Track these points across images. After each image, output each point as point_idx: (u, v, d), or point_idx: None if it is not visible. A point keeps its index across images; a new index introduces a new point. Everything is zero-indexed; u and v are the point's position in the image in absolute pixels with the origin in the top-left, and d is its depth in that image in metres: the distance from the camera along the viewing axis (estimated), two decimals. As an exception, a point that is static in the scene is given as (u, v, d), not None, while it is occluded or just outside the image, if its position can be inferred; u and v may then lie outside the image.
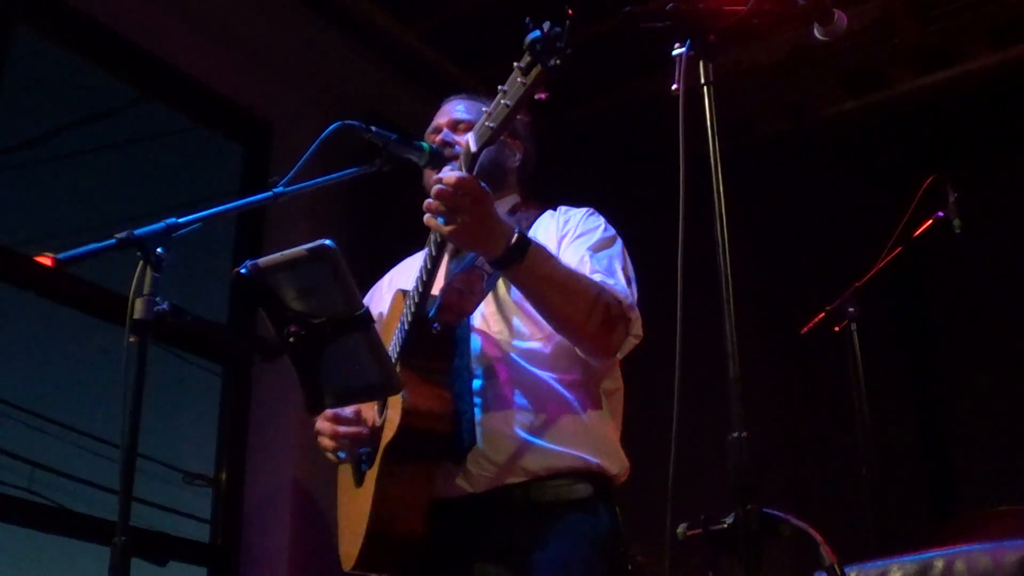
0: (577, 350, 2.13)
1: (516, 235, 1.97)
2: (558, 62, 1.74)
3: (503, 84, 1.85)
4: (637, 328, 2.12)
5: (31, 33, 3.89)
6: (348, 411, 2.22)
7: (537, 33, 1.75)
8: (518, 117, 1.93)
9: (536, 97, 1.82)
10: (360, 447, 2.19)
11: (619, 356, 2.15)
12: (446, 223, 1.93)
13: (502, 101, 1.84)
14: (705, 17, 1.86)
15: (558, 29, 1.74)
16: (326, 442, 2.24)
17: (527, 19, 1.76)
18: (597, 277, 2.11)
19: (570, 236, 2.24)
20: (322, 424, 2.23)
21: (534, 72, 1.77)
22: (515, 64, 1.80)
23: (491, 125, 1.87)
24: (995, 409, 4.40)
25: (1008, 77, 4.67)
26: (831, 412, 4.30)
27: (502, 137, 1.98)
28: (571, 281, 2.05)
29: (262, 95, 4.43)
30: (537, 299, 2.07)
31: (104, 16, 3.90)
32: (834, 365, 3.75)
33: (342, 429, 2.19)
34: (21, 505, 3.54)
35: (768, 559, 1.56)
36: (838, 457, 4.17)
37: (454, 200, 1.90)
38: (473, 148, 1.92)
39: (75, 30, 3.88)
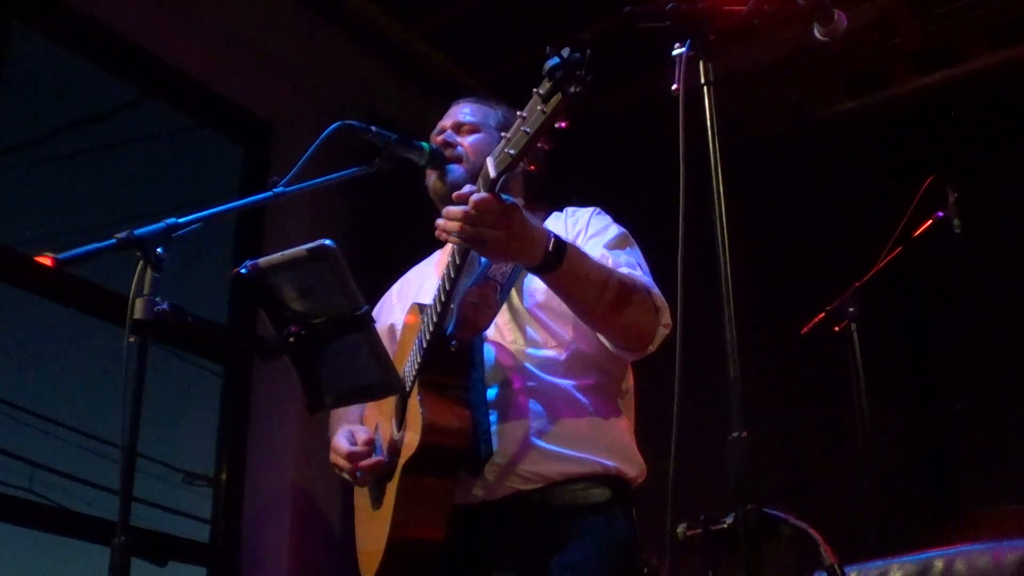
0: (611, 346, 2.12)
1: (553, 239, 1.95)
2: (579, 89, 1.70)
3: (521, 110, 1.82)
4: (666, 317, 2.11)
5: (31, 33, 3.89)
6: (363, 436, 2.22)
7: (556, 60, 1.71)
8: (538, 144, 1.89)
9: (557, 125, 1.79)
10: (377, 475, 2.19)
11: (653, 347, 2.13)
12: (477, 243, 1.90)
13: (522, 128, 1.81)
14: (705, 17, 1.85)
15: (578, 55, 1.70)
16: (344, 475, 2.25)
17: (547, 46, 1.73)
18: (624, 271, 2.11)
19: (583, 237, 2.24)
20: (338, 460, 2.23)
21: (554, 100, 1.73)
22: (534, 90, 1.77)
23: (511, 152, 1.83)
24: (995, 409, 4.40)
25: (1008, 77, 4.67)
26: (831, 413, 4.30)
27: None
28: (602, 276, 2.05)
29: (262, 95, 4.43)
30: (572, 297, 2.06)
31: (104, 16, 3.90)
32: (834, 365, 3.75)
33: (360, 465, 2.19)
34: (21, 505, 3.54)
35: (768, 559, 1.56)
36: (838, 457, 4.16)
37: (480, 220, 1.87)
38: (492, 174, 1.88)
39: (75, 30, 3.88)
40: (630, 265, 2.16)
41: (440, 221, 1.92)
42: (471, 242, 1.91)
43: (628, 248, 2.23)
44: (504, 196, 1.89)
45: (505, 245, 1.91)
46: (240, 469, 4.09)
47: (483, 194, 1.88)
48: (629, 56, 4.33)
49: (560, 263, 1.96)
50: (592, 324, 2.12)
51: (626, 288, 2.06)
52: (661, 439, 1.84)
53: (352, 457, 2.19)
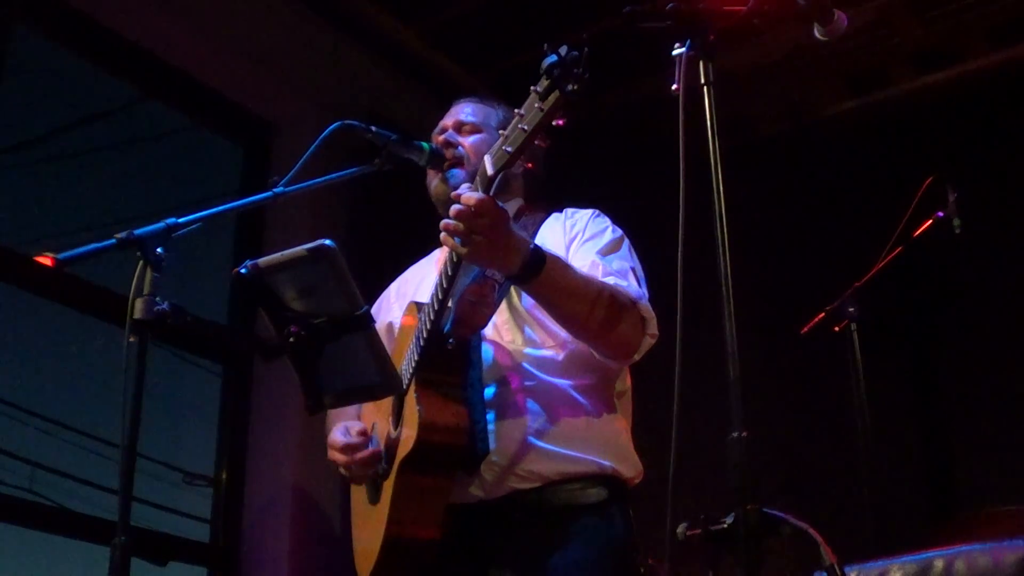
0: (596, 354, 2.13)
1: (531, 250, 1.96)
2: (576, 88, 1.72)
3: (519, 108, 1.83)
4: (653, 327, 2.12)
5: (31, 33, 3.89)
6: (357, 427, 2.22)
7: (554, 58, 1.72)
8: (535, 142, 1.90)
9: (554, 123, 1.81)
10: (373, 468, 2.19)
11: (638, 356, 2.14)
12: (463, 244, 1.91)
13: (519, 126, 1.82)
14: (705, 17, 1.85)
15: (575, 54, 1.72)
16: (342, 472, 2.25)
17: (545, 44, 1.74)
18: (610, 280, 2.11)
19: (579, 240, 2.24)
20: (335, 455, 2.23)
21: (552, 98, 1.75)
22: (532, 88, 1.78)
23: (508, 149, 1.85)
24: (995, 409, 4.40)
25: (1008, 77, 4.67)
26: (831, 412, 4.30)
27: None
28: (586, 288, 2.05)
29: (262, 95, 4.43)
30: (553, 308, 2.07)
31: (104, 16, 3.90)
32: (834, 365, 3.75)
33: (356, 457, 2.18)
34: (21, 505, 3.54)
35: (768, 559, 1.56)
36: (838, 457, 4.16)
37: (474, 222, 1.88)
38: (490, 171, 1.89)
39: (75, 30, 3.88)
40: (621, 271, 2.16)
41: (446, 222, 1.93)
42: (459, 238, 1.91)
43: (623, 253, 2.23)
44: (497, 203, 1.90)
45: (486, 251, 1.92)
46: (240, 469, 4.09)
47: (481, 194, 1.89)
48: (629, 56, 4.33)
49: (537, 275, 1.96)
50: (579, 337, 2.12)
51: (616, 304, 2.06)
52: (661, 439, 1.84)
53: (348, 449, 2.18)
